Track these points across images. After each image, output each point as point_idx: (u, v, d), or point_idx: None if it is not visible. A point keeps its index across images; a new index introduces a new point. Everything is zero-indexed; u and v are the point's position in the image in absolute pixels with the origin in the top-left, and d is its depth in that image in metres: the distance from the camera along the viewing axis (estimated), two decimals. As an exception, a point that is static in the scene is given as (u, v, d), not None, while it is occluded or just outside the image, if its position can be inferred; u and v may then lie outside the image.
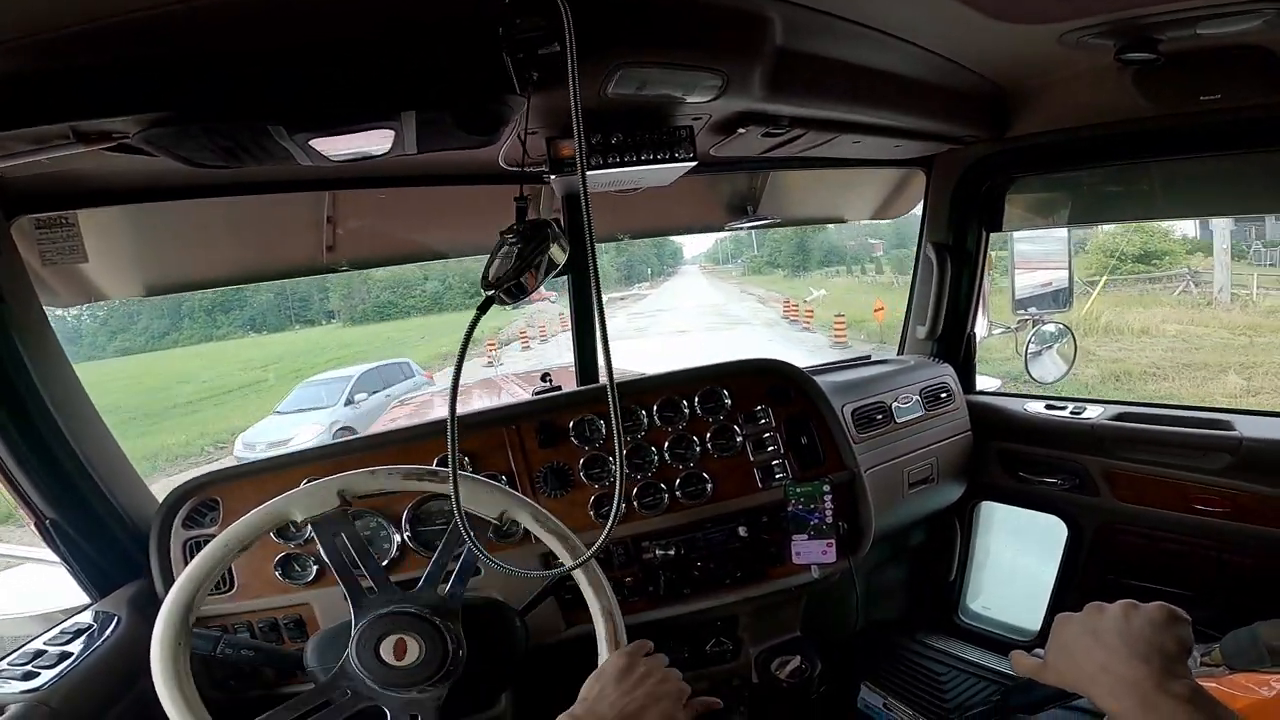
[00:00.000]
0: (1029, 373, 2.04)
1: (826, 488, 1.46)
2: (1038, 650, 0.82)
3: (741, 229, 2.09)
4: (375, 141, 1.00)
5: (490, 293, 0.91)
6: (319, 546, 1.32)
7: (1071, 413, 1.83)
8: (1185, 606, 0.73)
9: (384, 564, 1.33)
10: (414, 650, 0.97)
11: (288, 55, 0.85)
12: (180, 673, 0.94)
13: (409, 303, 25.20)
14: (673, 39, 1.04)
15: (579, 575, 1.06)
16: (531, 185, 1.66)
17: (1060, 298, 2.04)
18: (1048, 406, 1.88)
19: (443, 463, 1.43)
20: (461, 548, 1.06)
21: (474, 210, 1.76)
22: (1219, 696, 0.64)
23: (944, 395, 1.91)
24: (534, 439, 1.48)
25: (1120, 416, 1.76)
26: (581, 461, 1.48)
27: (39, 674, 1.08)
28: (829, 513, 1.46)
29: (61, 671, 1.09)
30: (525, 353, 16.09)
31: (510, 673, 1.19)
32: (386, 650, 0.97)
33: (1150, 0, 1.04)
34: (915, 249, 2.05)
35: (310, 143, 0.94)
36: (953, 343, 2.03)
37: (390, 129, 0.95)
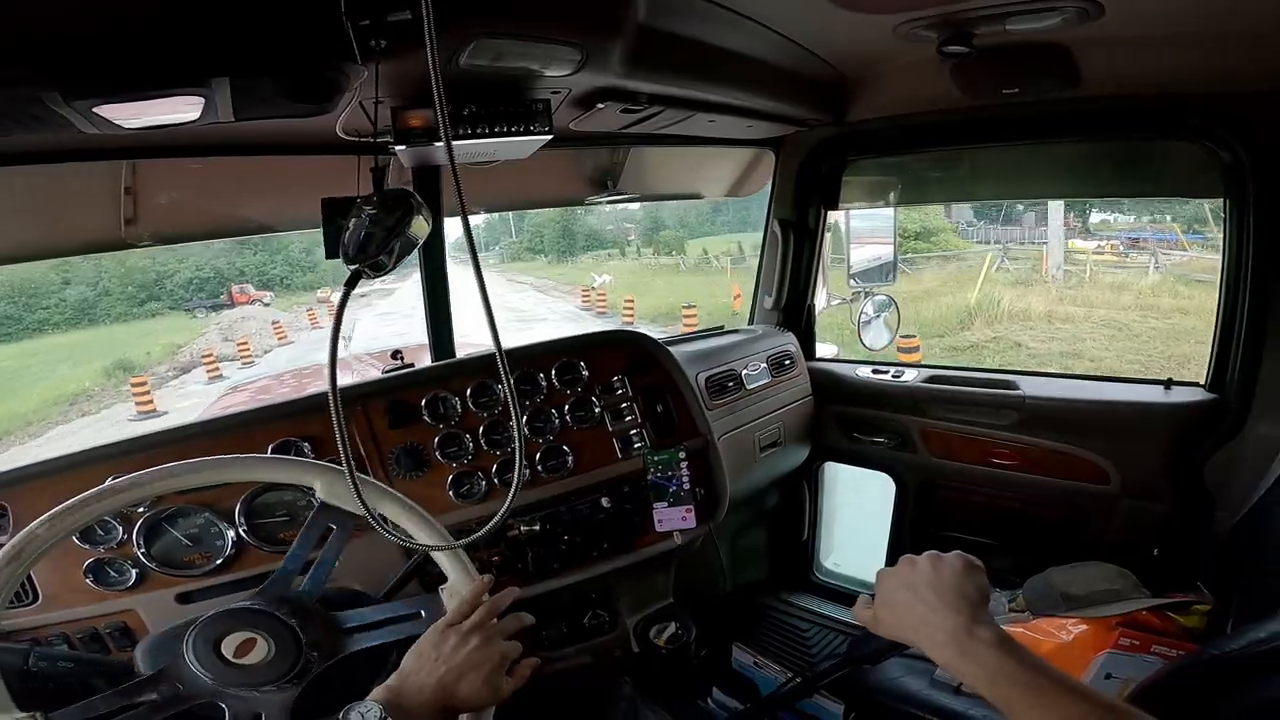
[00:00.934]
0: (861, 340, 2.23)
1: (682, 454, 1.52)
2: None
3: (601, 203, 2.10)
4: (180, 109, 0.89)
5: (354, 267, 0.86)
6: (138, 549, 1.21)
7: (893, 376, 2.02)
8: (991, 555, 0.82)
9: (218, 562, 1.24)
10: (261, 649, 0.90)
11: (65, 5, 0.72)
12: None
13: (38, 316, 18.17)
14: (532, 10, 1.02)
15: (444, 558, 1.03)
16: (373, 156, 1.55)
17: (886, 271, 2.25)
18: (874, 371, 2.06)
19: (279, 450, 1.34)
20: (324, 540, 1.00)
21: (301, 181, 1.61)
22: (1025, 642, 0.72)
23: (787, 362, 2.04)
24: (383, 419, 1.42)
25: (931, 379, 1.96)
26: (436, 440, 1.43)
27: None
28: (686, 479, 1.53)
29: None
30: (214, 385, 11.49)
31: (378, 666, 1.15)
32: (228, 648, 0.90)
33: None
34: (762, 227, 2.17)
35: (96, 110, 0.82)
36: (795, 313, 2.17)
37: (198, 96, 0.85)
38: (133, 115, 0.86)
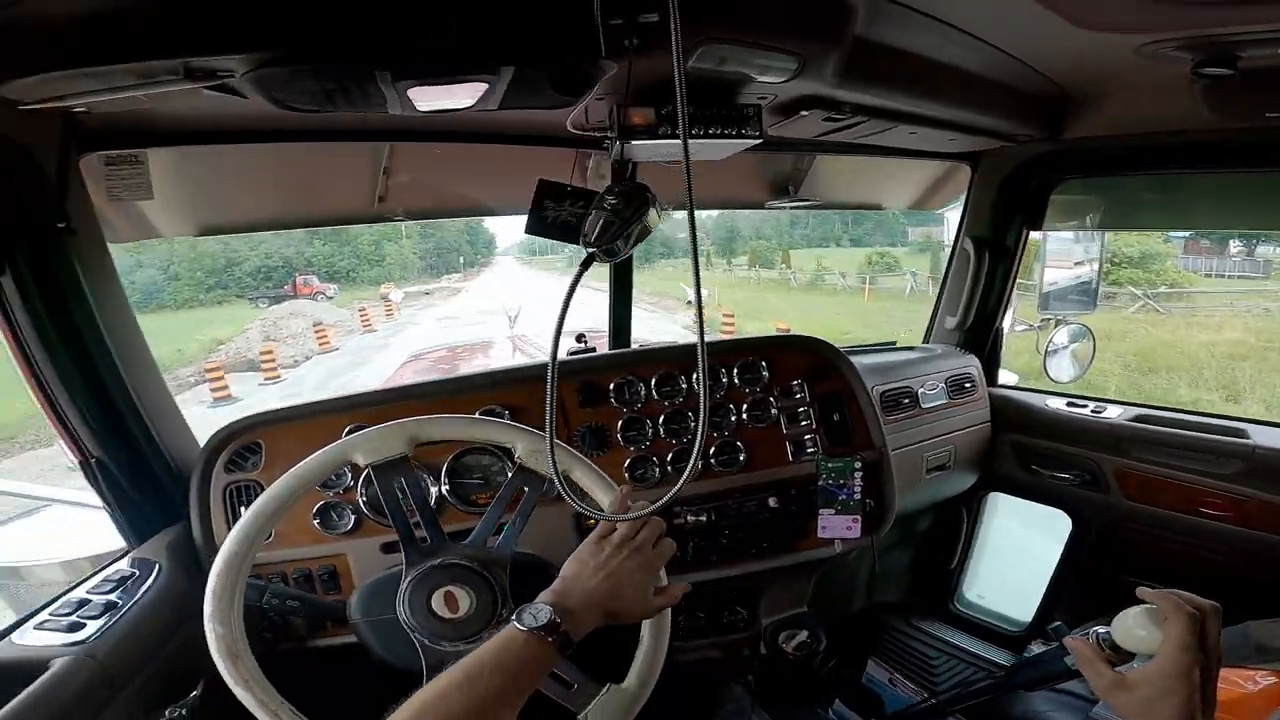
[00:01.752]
0: (1046, 370, 2.09)
1: (858, 464, 1.51)
2: (1095, 629, 0.85)
3: (781, 208, 2.11)
4: (466, 95, 1.01)
5: (591, 250, 0.94)
6: (360, 495, 1.34)
7: (1092, 411, 1.88)
8: None
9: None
10: (464, 603, 0.96)
11: (401, 2, 0.85)
12: (235, 623, 0.89)
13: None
14: (760, 19, 1.05)
15: None
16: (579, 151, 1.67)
17: (1086, 298, 2.09)
18: (1069, 404, 1.93)
19: (487, 415, 1.45)
20: (516, 503, 1.06)
21: (515, 169, 1.76)
22: None
23: (968, 385, 1.96)
24: (574, 398, 1.51)
25: (1139, 419, 1.81)
26: (620, 424, 1.50)
27: (84, 625, 1.05)
28: (858, 489, 1.51)
29: (106, 622, 1.06)
30: (269, 387, 10.23)
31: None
32: (437, 602, 0.96)
33: (1236, 19, 1.05)
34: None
35: (409, 91, 0.95)
36: (980, 335, 2.08)
37: (485, 83, 0.96)
38: (432, 98, 0.99)
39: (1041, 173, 1.86)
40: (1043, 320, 2.13)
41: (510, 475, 1.09)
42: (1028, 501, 2.07)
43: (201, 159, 1.43)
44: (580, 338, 1.79)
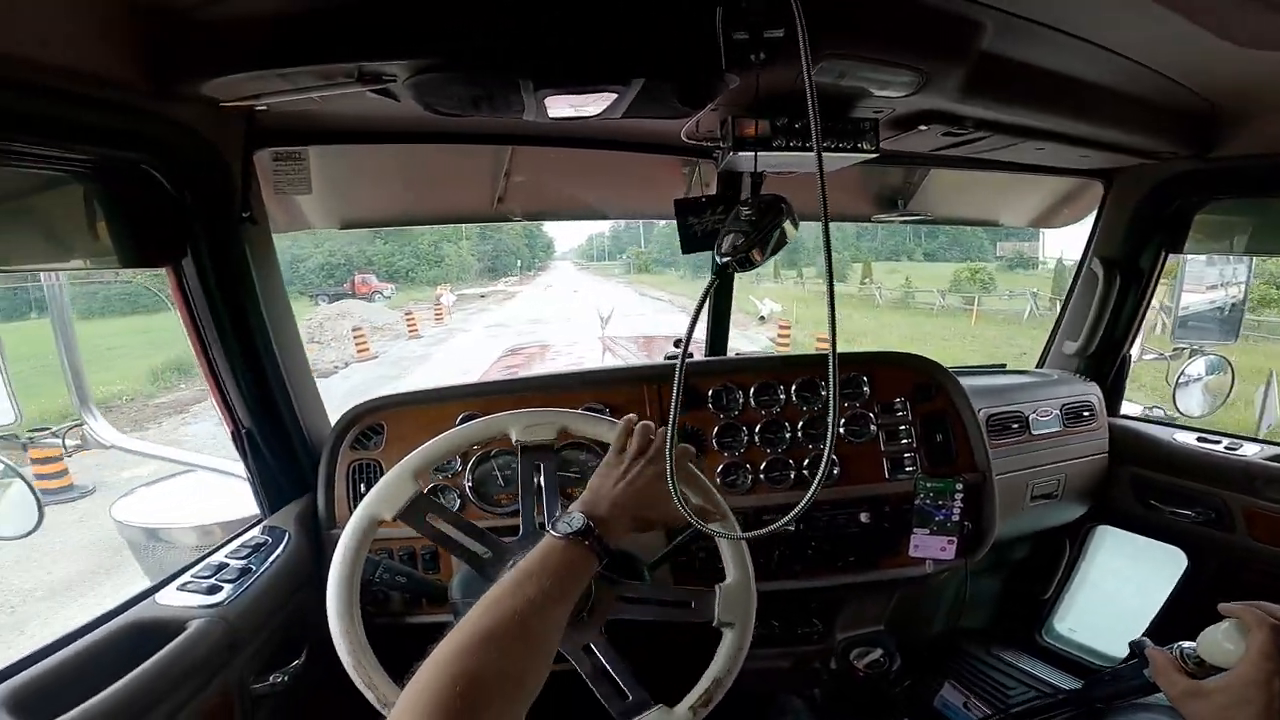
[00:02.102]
0: (1175, 402, 1.95)
1: (959, 486, 1.48)
2: (1181, 644, 0.82)
3: (890, 222, 2.07)
4: (596, 103, 1.06)
5: (725, 260, 0.96)
6: (466, 480, 1.41)
7: (1226, 448, 1.75)
8: None
9: (514, 506, 1.39)
10: None
11: (545, 13, 0.91)
12: (353, 592, 0.98)
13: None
14: (883, 34, 1.05)
15: (727, 550, 1.06)
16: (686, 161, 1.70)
17: (1228, 328, 1.93)
18: (1199, 439, 1.80)
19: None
20: None
21: (621, 176, 1.82)
22: None
23: (1086, 414, 1.86)
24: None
25: (1276, 458, 1.67)
26: (715, 430, 1.52)
27: (221, 588, 1.13)
28: (957, 511, 1.48)
29: (240, 586, 1.14)
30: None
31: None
32: None
33: None
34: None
35: (545, 100, 1.02)
36: (1104, 362, 1.96)
37: (616, 93, 1.01)
38: (564, 106, 1.05)
39: (1185, 192, 1.73)
40: (1175, 349, 1.99)
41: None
42: (1140, 537, 1.94)
43: (345, 158, 1.54)
44: (678, 343, 1.82)
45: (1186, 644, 0.82)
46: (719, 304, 1.90)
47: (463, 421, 1.29)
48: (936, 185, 2.00)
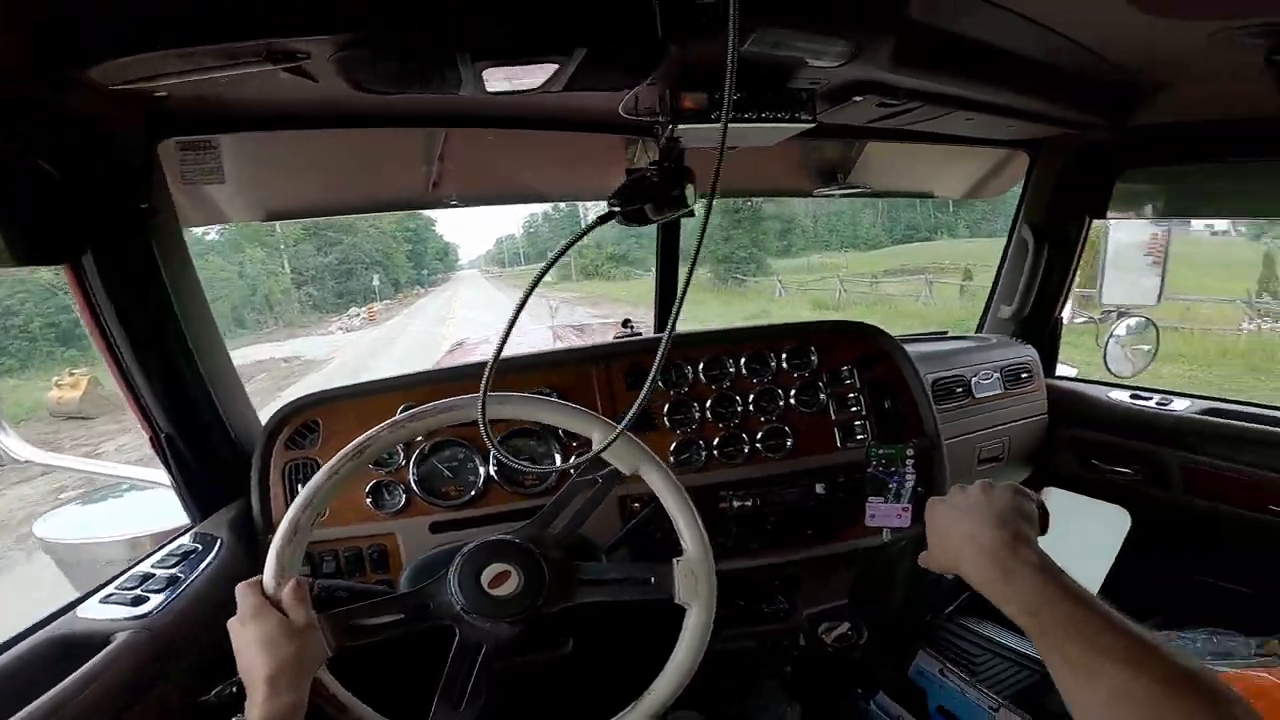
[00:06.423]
0: (1106, 364, 2.03)
1: (911, 451, 1.48)
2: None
3: (831, 196, 2.09)
4: (537, 75, 1.02)
5: (614, 206, 0.93)
6: (411, 475, 1.34)
7: (1158, 404, 1.82)
8: (1244, 602, 0.74)
9: (470, 495, 1.35)
10: (513, 582, 0.95)
11: None
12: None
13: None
14: (815, 3, 1.04)
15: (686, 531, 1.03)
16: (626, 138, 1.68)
17: (1149, 290, 2.02)
18: (1133, 396, 1.87)
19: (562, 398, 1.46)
20: (585, 491, 1.06)
21: (560, 157, 1.79)
22: (1264, 686, 0.66)
23: (1025, 376, 1.91)
24: (621, 381, 1.50)
25: (1208, 411, 1.74)
26: (666, 406, 1.49)
27: (148, 599, 1.07)
28: (910, 477, 1.48)
29: (168, 597, 1.08)
30: None
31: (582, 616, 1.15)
32: (486, 576, 0.95)
33: None
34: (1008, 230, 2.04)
35: (484, 72, 0.98)
36: (1037, 325, 2.03)
37: (557, 64, 0.98)
38: (503, 79, 1.01)
39: (1106, 160, 1.81)
40: (1103, 313, 2.06)
41: (579, 463, 1.10)
42: (1085, 498, 2.00)
43: (266, 146, 1.46)
44: (626, 323, 1.80)
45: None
46: (667, 284, 1.88)
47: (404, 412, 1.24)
48: (874, 158, 2.03)
